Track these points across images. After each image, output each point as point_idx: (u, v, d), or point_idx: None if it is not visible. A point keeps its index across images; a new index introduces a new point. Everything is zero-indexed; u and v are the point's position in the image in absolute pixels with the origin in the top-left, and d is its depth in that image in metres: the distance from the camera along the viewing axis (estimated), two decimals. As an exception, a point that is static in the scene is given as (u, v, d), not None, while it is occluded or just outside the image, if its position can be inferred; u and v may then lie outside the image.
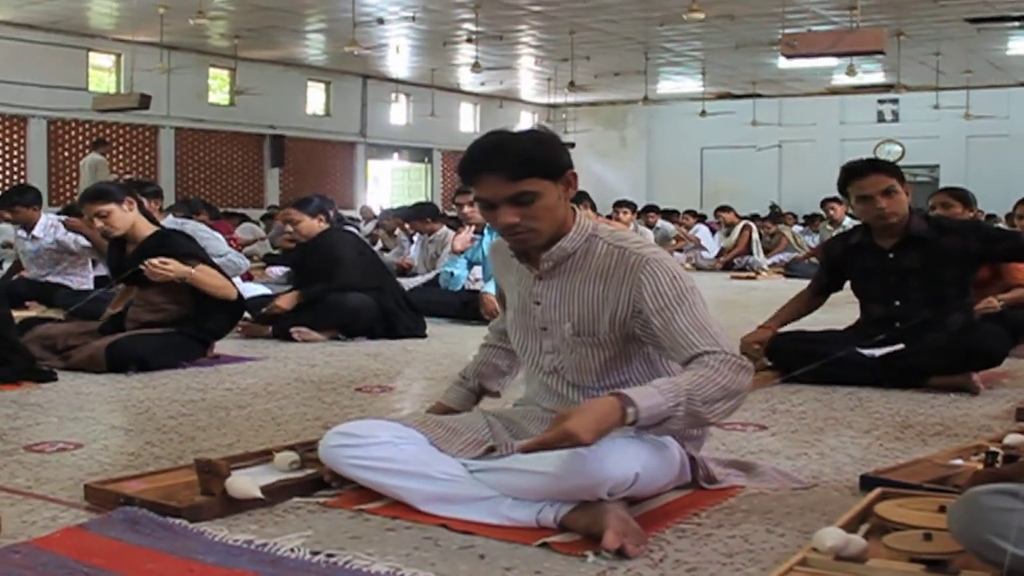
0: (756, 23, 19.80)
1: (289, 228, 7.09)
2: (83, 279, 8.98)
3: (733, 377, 2.62)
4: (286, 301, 6.88)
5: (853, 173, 5.03)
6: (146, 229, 5.80)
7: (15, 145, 20.98)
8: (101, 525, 2.69)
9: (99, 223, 5.72)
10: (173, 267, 5.52)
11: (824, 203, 14.04)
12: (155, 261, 5.49)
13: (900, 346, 4.93)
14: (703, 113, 27.65)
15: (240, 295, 6.02)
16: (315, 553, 2.47)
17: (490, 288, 7.76)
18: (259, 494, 2.80)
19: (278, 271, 12.35)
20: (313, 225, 7.09)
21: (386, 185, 29.92)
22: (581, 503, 2.59)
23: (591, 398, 2.89)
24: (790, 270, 14.58)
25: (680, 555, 2.51)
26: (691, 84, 27.95)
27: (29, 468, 3.38)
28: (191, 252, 5.77)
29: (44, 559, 2.45)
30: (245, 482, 2.81)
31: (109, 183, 6.07)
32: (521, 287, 2.99)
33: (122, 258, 5.85)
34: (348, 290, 6.92)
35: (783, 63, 22.89)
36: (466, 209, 8.07)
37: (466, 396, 3.43)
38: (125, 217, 5.71)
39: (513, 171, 2.74)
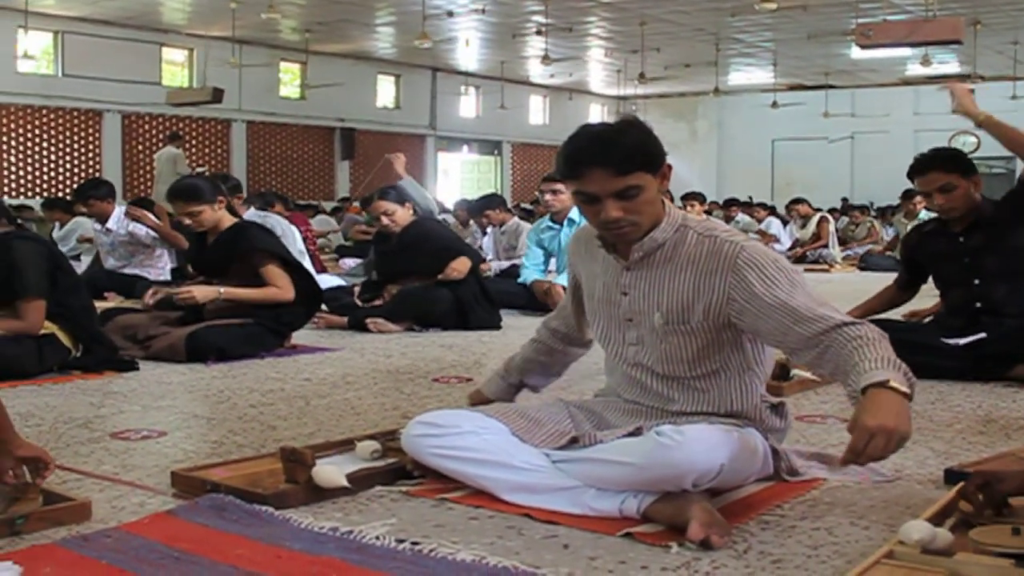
0: (829, 13, 19.62)
1: (384, 219, 7.10)
2: (160, 270, 9.12)
3: (890, 347, 2.59)
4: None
5: (913, 169, 5.11)
6: (227, 221, 5.89)
7: (91, 139, 21.29)
8: (189, 511, 2.73)
9: (188, 220, 5.90)
10: (197, 293, 5.73)
11: (906, 195, 13.79)
12: (183, 290, 5.76)
13: (982, 335, 4.89)
14: (774, 104, 27.45)
15: (318, 287, 6.10)
16: (400, 541, 2.49)
17: (562, 280, 7.76)
18: (345, 483, 2.83)
19: (351, 263, 12.44)
20: (405, 214, 7.16)
21: (456, 178, 30.00)
22: (665, 494, 2.59)
23: (680, 388, 2.89)
24: (864, 263, 14.42)
25: (764, 547, 2.49)
26: (762, 75, 27.76)
27: (116, 455, 3.44)
28: (267, 247, 5.85)
29: (135, 543, 2.50)
30: (331, 471, 2.84)
31: (200, 178, 6.16)
32: (607, 277, 2.97)
33: (202, 248, 5.95)
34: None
35: (856, 53, 22.66)
36: (548, 197, 8.07)
37: (505, 389, 3.46)
38: (215, 216, 5.86)
39: (622, 165, 2.71)
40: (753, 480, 2.87)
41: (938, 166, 4.99)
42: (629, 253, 2.87)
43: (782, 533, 2.59)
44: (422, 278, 7.04)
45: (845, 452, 2.43)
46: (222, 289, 5.76)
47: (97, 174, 20.25)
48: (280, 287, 5.80)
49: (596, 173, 2.73)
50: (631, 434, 2.77)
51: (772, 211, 18.55)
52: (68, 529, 2.60)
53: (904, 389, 2.46)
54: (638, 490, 2.63)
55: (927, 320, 5.66)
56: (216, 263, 5.92)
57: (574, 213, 7.83)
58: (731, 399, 2.89)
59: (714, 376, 2.88)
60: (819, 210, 16.49)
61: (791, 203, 16.69)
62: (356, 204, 19.33)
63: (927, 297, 5.69)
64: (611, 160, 2.71)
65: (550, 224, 8.26)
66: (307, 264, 8.98)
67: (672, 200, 9.97)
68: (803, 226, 15.86)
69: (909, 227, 11.07)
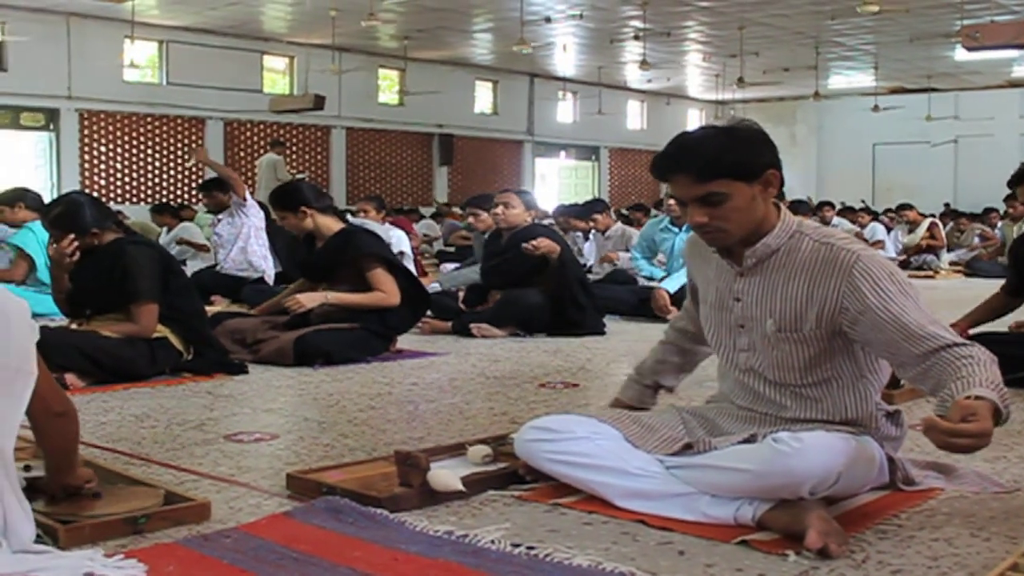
0: (932, 15, 19.30)
1: (499, 208, 7.13)
2: (266, 265, 9.34)
3: (998, 372, 2.56)
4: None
5: (1013, 179, 4.91)
6: (333, 226, 5.96)
7: (194, 146, 21.63)
8: (305, 513, 2.77)
9: (280, 222, 6.07)
10: (305, 300, 5.80)
11: (1009, 199, 13.56)
12: (291, 299, 5.84)
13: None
14: (875, 108, 27.05)
15: (424, 291, 6.16)
16: (515, 545, 2.49)
17: (666, 284, 7.72)
18: (461, 487, 2.85)
19: (451, 269, 12.51)
20: (521, 216, 7.15)
21: (553, 183, 29.98)
22: (781, 501, 2.57)
23: (792, 396, 2.86)
24: (971, 269, 14.15)
25: (883, 557, 2.46)
26: (863, 79, 27.36)
27: (231, 457, 3.50)
28: (373, 251, 5.91)
29: (253, 544, 2.54)
30: (447, 475, 2.86)
31: (303, 185, 6.30)
32: (720, 283, 2.96)
33: (310, 253, 6.04)
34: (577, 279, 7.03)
35: (960, 55, 22.28)
36: (672, 201, 8.09)
37: (643, 392, 3.43)
38: (299, 223, 5.99)
39: (700, 173, 2.73)
40: (868, 489, 2.84)
41: None
42: (742, 259, 2.86)
43: (900, 543, 2.56)
44: (524, 283, 7.03)
45: (945, 425, 2.35)
46: (329, 295, 5.83)
47: (201, 179, 20.59)
48: (386, 292, 5.86)
49: (679, 178, 2.78)
50: (745, 441, 2.75)
51: (875, 216, 18.29)
52: (188, 529, 2.65)
53: (1003, 416, 2.44)
54: (753, 497, 2.61)
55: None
56: (323, 268, 6.00)
57: None
58: (845, 407, 2.85)
59: (826, 384, 2.85)
60: (924, 215, 16.21)
61: (899, 208, 16.43)
62: (456, 210, 19.44)
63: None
64: (690, 166, 2.74)
65: (669, 226, 8.26)
66: (409, 268, 9.09)
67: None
68: (910, 231, 15.58)
69: (1016, 232, 10.86)
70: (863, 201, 22.44)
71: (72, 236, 5.07)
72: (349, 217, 9.64)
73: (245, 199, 9.29)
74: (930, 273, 14.08)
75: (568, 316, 6.94)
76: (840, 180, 30.25)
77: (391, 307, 5.89)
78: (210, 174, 20.59)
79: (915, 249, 15.01)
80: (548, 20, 19.94)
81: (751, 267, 2.86)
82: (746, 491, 2.61)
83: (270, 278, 9.30)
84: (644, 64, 20.81)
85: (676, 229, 8.12)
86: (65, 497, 2.69)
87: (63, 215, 5.11)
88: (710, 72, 26.59)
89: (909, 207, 16.07)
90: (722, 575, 2.35)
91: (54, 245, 5.30)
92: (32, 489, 2.60)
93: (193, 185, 21.00)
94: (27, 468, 2.76)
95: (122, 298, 5.07)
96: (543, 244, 6.83)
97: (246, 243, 9.31)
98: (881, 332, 2.67)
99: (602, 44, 22.62)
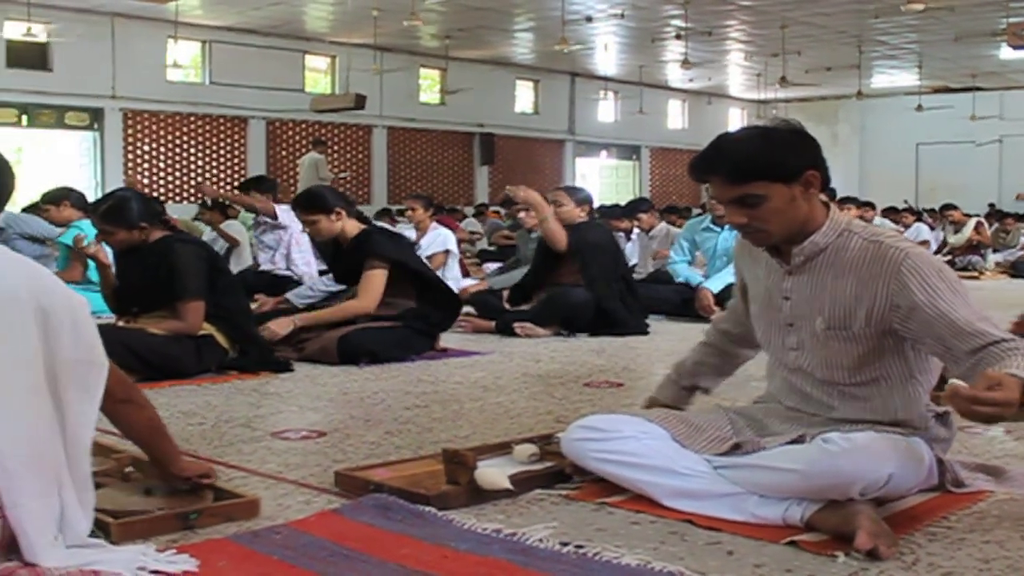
0: (977, 13, 19.15)
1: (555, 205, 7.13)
2: (309, 271, 9.37)
3: None
4: None
5: None
6: (354, 229, 5.95)
7: (236, 145, 21.79)
8: (354, 510, 2.78)
9: (306, 228, 6.14)
10: (275, 327, 5.77)
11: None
12: (269, 326, 5.79)
13: None
14: (919, 108, 26.83)
15: (451, 293, 6.24)
16: (564, 544, 2.50)
17: (710, 284, 7.69)
18: (508, 485, 2.86)
19: (494, 268, 12.53)
20: (573, 212, 7.12)
21: (594, 183, 29.88)
22: (830, 502, 2.56)
23: (840, 396, 2.85)
24: (1015, 269, 14.03)
25: (933, 559, 2.45)
26: (907, 78, 27.16)
27: (278, 454, 3.52)
28: (379, 252, 5.86)
29: (303, 541, 2.56)
30: (494, 473, 2.87)
31: (326, 189, 6.32)
32: (770, 281, 2.95)
33: (337, 255, 6.07)
34: (598, 284, 6.95)
35: (1005, 54, 22.10)
36: (714, 201, 8.07)
37: (680, 393, 3.42)
38: (331, 227, 5.96)
39: (733, 175, 2.74)
40: (917, 491, 2.82)
41: None
42: (791, 257, 2.85)
43: (951, 545, 2.54)
44: (569, 280, 7.03)
45: (968, 391, 2.29)
46: (297, 318, 5.88)
47: (243, 178, 20.71)
48: (360, 299, 5.82)
49: (714, 180, 2.79)
50: (794, 441, 2.74)
51: (919, 216, 18.15)
52: (238, 525, 2.68)
53: None
54: (802, 498, 2.60)
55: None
56: (348, 272, 6.00)
57: None
58: (895, 408, 2.84)
59: (875, 384, 2.83)
60: (968, 215, 16.08)
61: (943, 208, 16.31)
62: (495, 209, 19.44)
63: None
64: (722, 169, 2.76)
65: (710, 225, 8.21)
66: (455, 267, 9.11)
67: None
68: (956, 231, 15.47)
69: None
70: (905, 201, 22.21)
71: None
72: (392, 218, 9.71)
73: (276, 217, 9.33)
74: (975, 274, 13.96)
75: (602, 309, 6.89)
76: (883, 180, 30.02)
77: (443, 296, 5.95)
78: (250, 173, 20.84)
79: (961, 249, 14.89)
80: (589, 19, 19.93)
81: (799, 265, 2.85)
82: (795, 491, 2.60)
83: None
84: (685, 63, 20.74)
85: (718, 228, 8.07)
86: (188, 491, 2.77)
87: (112, 209, 5.17)
88: (752, 71, 26.48)
89: (953, 207, 15.96)
90: (772, 575, 2.35)
91: (83, 242, 5.42)
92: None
93: (234, 185, 21.09)
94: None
95: (169, 296, 5.12)
96: (526, 195, 6.89)
97: (288, 250, 9.40)
98: (930, 329, 2.65)
99: (643, 43, 22.57)
